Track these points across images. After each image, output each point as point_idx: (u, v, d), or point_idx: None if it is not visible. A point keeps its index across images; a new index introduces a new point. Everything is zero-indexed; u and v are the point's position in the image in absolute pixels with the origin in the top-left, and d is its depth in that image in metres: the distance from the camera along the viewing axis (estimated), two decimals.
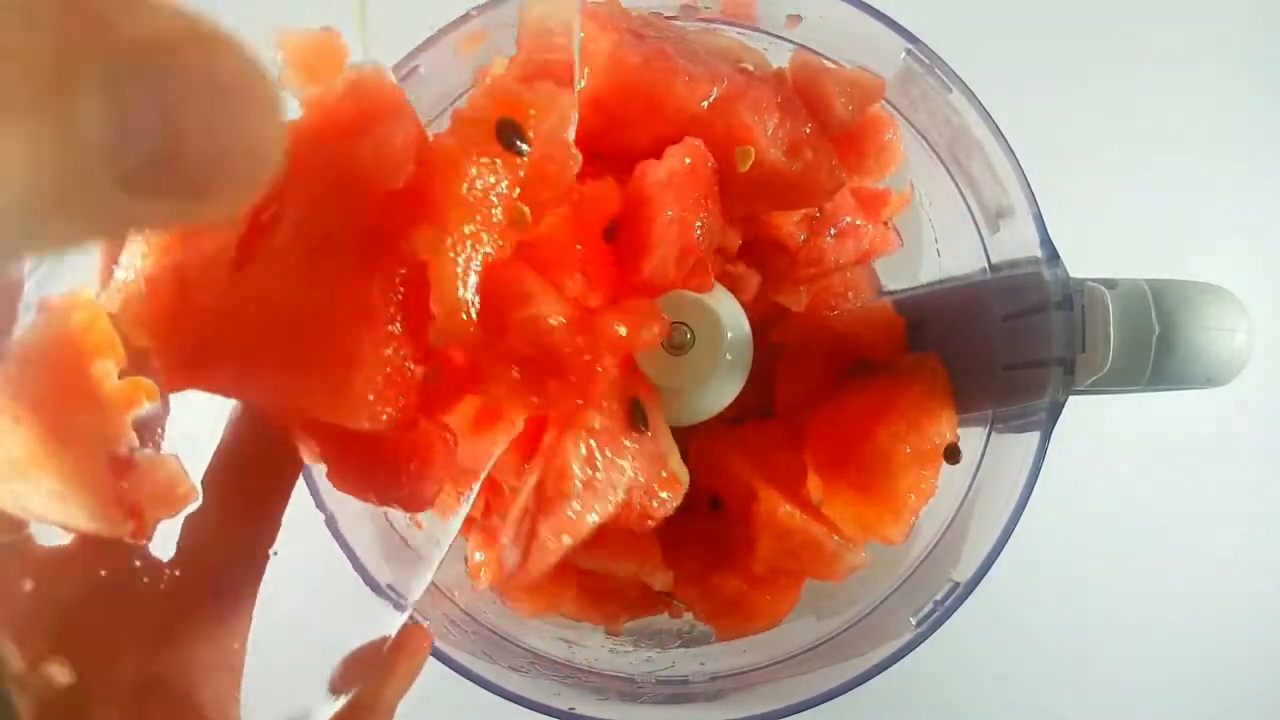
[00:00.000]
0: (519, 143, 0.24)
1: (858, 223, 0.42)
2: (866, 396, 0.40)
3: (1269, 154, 0.55)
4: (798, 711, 0.36)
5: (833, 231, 0.42)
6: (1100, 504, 0.53)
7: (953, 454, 0.38)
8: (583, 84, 0.35)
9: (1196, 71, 0.56)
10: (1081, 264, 0.36)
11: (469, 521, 0.40)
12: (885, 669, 0.37)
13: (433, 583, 0.42)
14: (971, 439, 0.41)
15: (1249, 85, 0.55)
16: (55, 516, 0.23)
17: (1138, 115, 0.55)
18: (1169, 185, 0.55)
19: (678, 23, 0.41)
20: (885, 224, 0.44)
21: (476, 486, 0.31)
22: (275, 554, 0.29)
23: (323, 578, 0.50)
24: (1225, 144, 0.55)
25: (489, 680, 0.38)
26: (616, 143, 0.37)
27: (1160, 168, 0.55)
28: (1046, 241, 0.36)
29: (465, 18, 0.38)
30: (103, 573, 0.25)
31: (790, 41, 0.41)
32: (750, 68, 0.39)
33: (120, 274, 0.23)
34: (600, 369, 0.27)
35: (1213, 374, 0.34)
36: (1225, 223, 0.55)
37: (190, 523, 0.26)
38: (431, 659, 0.38)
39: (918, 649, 0.37)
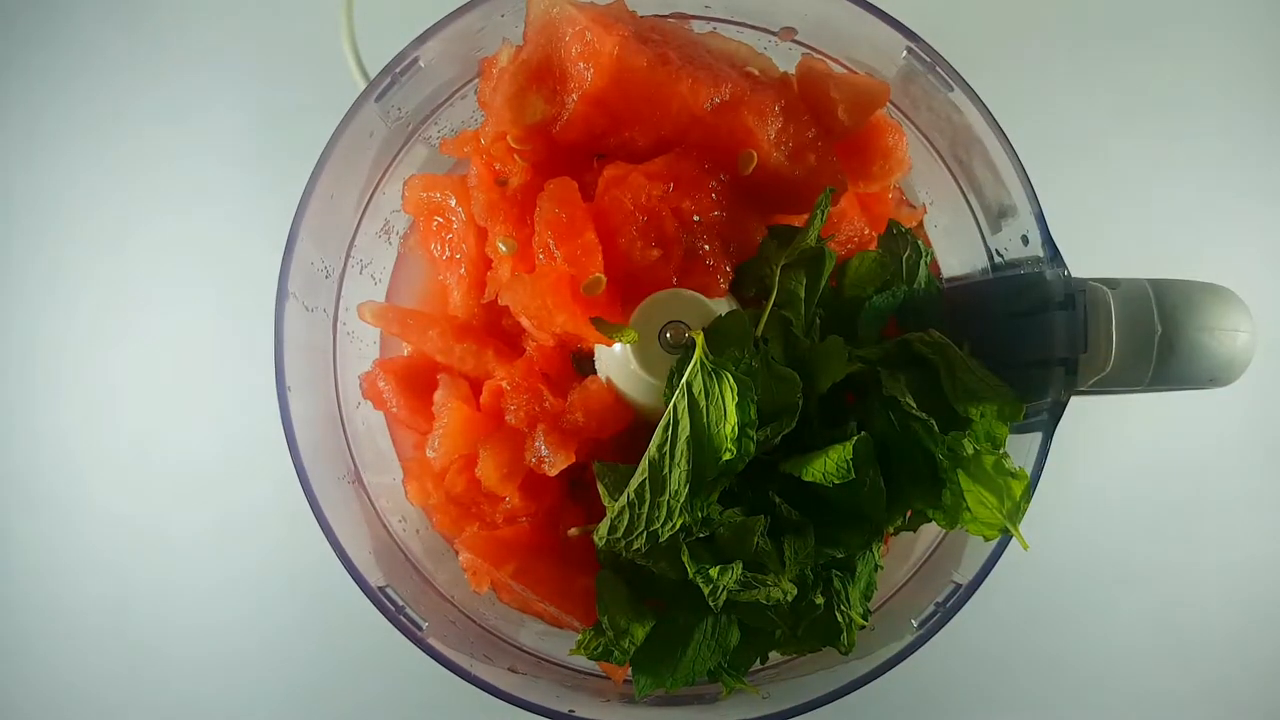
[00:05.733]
0: None
1: (864, 229, 0.42)
2: None
3: (1272, 154, 0.55)
4: (798, 713, 0.36)
5: (835, 236, 0.42)
6: (1101, 504, 0.53)
7: None
8: (588, 85, 0.35)
9: (1200, 71, 0.55)
10: (1083, 264, 0.36)
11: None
12: (886, 670, 0.36)
13: (433, 585, 0.42)
14: None
15: (1253, 86, 0.55)
16: None
17: (1140, 115, 0.55)
18: (1171, 185, 0.55)
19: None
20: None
21: None
22: None
23: (319, 580, 0.50)
24: (1228, 143, 0.55)
25: (488, 682, 0.37)
26: (620, 143, 0.38)
27: (1162, 167, 0.55)
28: (1048, 241, 0.36)
29: (463, 9, 0.38)
30: None
31: (792, 41, 0.41)
32: (756, 72, 0.39)
33: None
34: None
35: (1215, 374, 0.34)
36: (1228, 222, 0.55)
37: None
38: (432, 660, 0.38)
39: (919, 650, 0.37)
